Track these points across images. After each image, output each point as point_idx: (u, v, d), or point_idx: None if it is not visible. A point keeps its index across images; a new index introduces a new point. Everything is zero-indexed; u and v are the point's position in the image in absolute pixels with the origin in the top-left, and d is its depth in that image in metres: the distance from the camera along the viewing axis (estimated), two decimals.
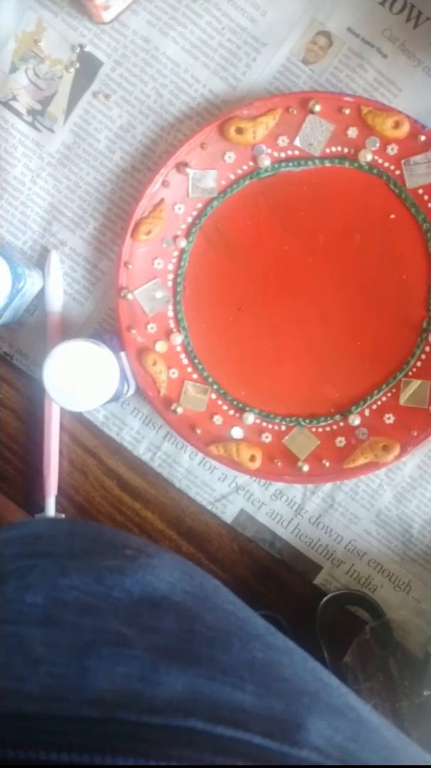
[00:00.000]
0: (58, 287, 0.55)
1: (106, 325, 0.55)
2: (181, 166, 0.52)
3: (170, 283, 0.53)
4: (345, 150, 0.52)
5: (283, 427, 0.54)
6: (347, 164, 0.52)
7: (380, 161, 0.52)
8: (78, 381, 0.47)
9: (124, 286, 0.53)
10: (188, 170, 0.52)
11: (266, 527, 0.56)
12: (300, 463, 0.53)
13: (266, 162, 0.52)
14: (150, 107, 0.53)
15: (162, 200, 0.52)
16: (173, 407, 0.53)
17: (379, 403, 0.53)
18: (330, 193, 0.52)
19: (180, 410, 0.53)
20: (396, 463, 0.54)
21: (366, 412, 0.54)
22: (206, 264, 0.53)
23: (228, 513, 0.56)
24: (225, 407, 0.54)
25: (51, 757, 0.25)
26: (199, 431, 0.53)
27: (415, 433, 0.52)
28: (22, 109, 0.54)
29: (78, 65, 0.53)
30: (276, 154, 0.52)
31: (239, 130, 0.51)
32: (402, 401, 0.53)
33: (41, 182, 0.54)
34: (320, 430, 0.54)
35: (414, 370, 0.53)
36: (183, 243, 0.53)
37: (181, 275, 0.53)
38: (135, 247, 0.52)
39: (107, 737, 0.26)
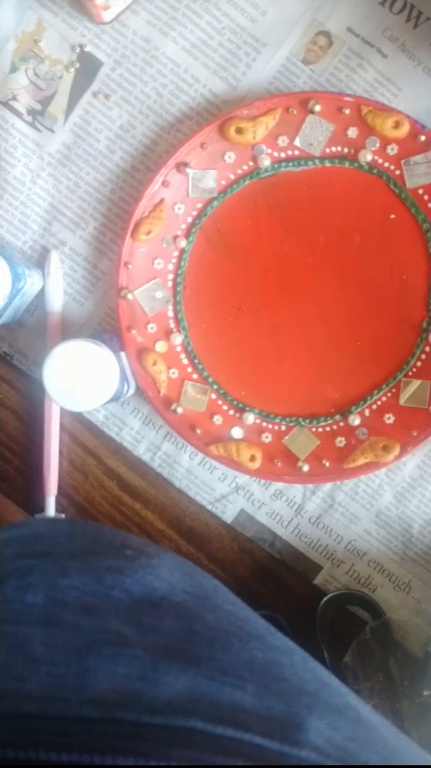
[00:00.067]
0: (58, 287, 0.55)
1: (106, 325, 0.55)
2: (181, 166, 0.52)
3: (170, 283, 0.53)
4: (345, 150, 0.52)
5: (283, 427, 0.54)
6: (347, 164, 0.52)
7: (380, 161, 0.52)
8: (78, 381, 0.47)
9: (124, 286, 0.53)
10: (188, 170, 0.52)
11: (266, 527, 0.56)
12: (300, 463, 0.53)
13: (266, 162, 0.52)
14: (150, 107, 0.53)
15: (162, 200, 0.52)
16: (173, 407, 0.53)
17: (379, 403, 0.53)
18: (330, 193, 0.52)
19: (180, 410, 0.53)
20: (396, 463, 0.54)
21: (366, 412, 0.54)
22: (206, 264, 0.53)
23: (228, 513, 0.56)
24: (225, 407, 0.54)
25: (51, 757, 0.25)
26: (199, 431, 0.53)
27: (415, 433, 0.52)
28: (22, 109, 0.54)
29: (78, 65, 0.53)
30: (276, 154, 0.52)
31: (239, 130, 0.51)
32: (402, 401, 0.53)
33: (41, 182, 0.54)
34: (320, 430, 0.54)
35: (414, 370, 0.53)
36: (183, 243, 0.53)
37: (181, 275, 0.53)
38: (135, 247, 0.52)
39: (107, 737, 0.26)
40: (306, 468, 0.53)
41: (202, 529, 0.57)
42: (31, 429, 0.56)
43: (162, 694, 0.29)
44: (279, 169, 0.52)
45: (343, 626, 0.55)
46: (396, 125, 0.51)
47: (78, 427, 0.56)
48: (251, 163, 0.52)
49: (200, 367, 0.54)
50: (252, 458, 0.53)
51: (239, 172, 0.52)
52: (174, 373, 0.54)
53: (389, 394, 0.53)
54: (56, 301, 0.55)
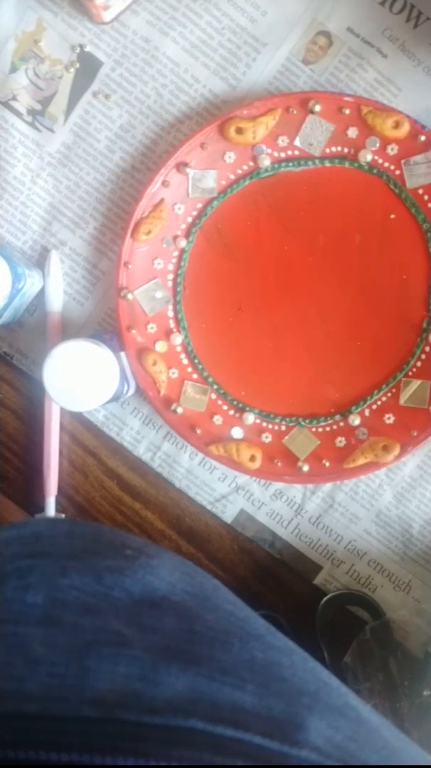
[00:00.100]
0: (58, 287, 0.55)
1: (106, 325, 0.55)
2: (181, 166, 0.52)
3: (170, 283, 0.53)
4: (345, 150, 0.52)
5: (283, 427, 0.54)
6: (347, 164, 0.52)
7: (380, 161, 0.52)
8: (78, 381, 0.47)
9: (124, 286, 0.53)
10: (188, 170, 0.52)
11: (266, 527, 0.56)
12: (300, 463, 0.53)
13: (266, 162, 0.52)
14: (150, 107, 0.53)
15: (162, 200, 0.52)
16: (173, 407, 0.53)
17: (379, 403, 0.53)
18: (330, 193, 0.52)
19: (180, 410, 0.53)
20: (396, 463, 0.54)
21: (366, 412, 0.54)
22: (206, 264, 0.53)
23: (228, 513, 0.56)
24: (225, 407, 0.54)
25: (51, 757, 0.25)
26: (199, 431, 0.53)
27: (415, 433, 0.52)
28: (22, 109, 0.54)
29: (78, 65, 0.53)
30: (276, 154, 0.52)
31: (239, 130, 0.51)
32: (402, 401, 0.53)
33: (41, 182, 0.54)
34: (320, 430, 0.54)
35: (414, 370, 0.53)
36: (183, 243, 0.53)
37: (181, 275, 0.53)
38: (135, 247, 0.52)
39: (107, 737, 0.26)
40: (306, 468, 0.53)
41: (202, 529, 0.57)
42: (31, 429, 0.56)
43: (162, 694, 0.29)
44: (279, 169, 0.52)
45: (343, 626, 0.55)
46: (396, 125, 0.51)
47: (78, 427, 0.56)
48: (251, 163, 0.52)
49: (200, 367, 0.54)
50: (252, 458, 0.53)
51: (239, 172, 0.52)
52: (174, 373, 0.54)
53: (389, 394, 0.53)
54: (56, 301, 0.55)
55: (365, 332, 0.53)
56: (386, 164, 0.52)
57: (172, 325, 0.54)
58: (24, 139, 0.54)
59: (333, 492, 0.56)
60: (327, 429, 0.54)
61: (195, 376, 0.54)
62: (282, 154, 0.52)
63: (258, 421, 0.54)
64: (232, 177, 0.52)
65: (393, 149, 0.51)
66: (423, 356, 0.53)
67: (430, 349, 0.53)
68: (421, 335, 0.53)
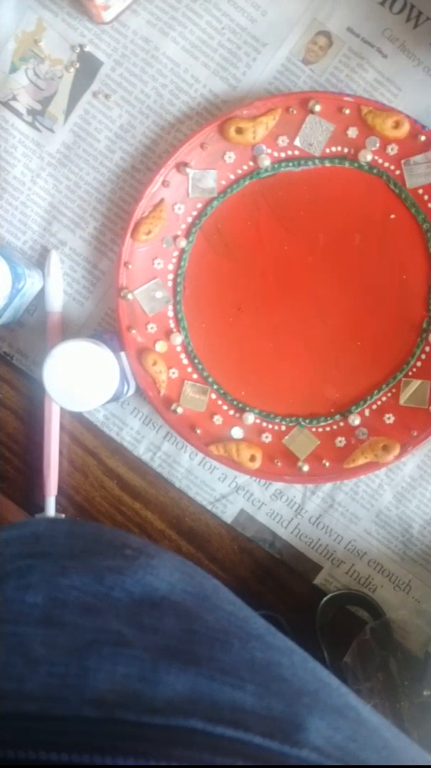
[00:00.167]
0: (58, 287, 0.55)
1: (106, 325, 0.55)
2: (181, 166, 0.52)
3: (170, 283, 0.53)
4: (345, 150, 0.52)
5: (283, 427, 0.54)
6: (347, 164, 0.52)
7: (380, 161, 0.52)
8: (78, 381, 0.47)
9: (124, 286, 0.53)
10: (188, 170, 0.52)
11: (266, 527, 0.56)
12: (300, 463, 0.53)
13: (266, 162, 0.52)
14: (150, 107, 0.53)
15: (162, 200, 0.52)
16: (173, 407, 0.53)
17: (379, 403, 0.53)
18: (330, 193, 0.52)
19: (180, 410, 0.53)
20: (396, 463, 0.54)
21: (366, 412, 0.54)
22: (206, 264, 0.53)
23: (228, 513, 0.56)
24: (225, 407, 0.54)
25: (51, 757, 0.25)
26: (199, 431, 0.53)
27: (415, 433, 0.52)
28: (22, 109, 0.54)
29: (78, 65, 0.53)
30: (276, 154, 0.52)
31: (239, 130, 0.51)
32: (402, 401, 0.53)
33: (41, 182, 0.54)
34: (320, 430, 0.54)
35: (414, 370, 0.53)
36: (183, 243, 0.53)
37: (181, 275, 0.53)
38: (135, 247, 0.52)
39: (107, 737, 0.26)
40: (306, 468, 0.53)
41: (202, 529, 0.57)
42: (31, 429, 0.56)
43: (162, 694, 0.29)
44: (279, 169, 0.52)
45: (343, 626, 0.55)
46: (396, 125, 0.51)
47: (78, 427, 0.56)
48: (251, 163, 0.52)
49: (200, 367, 0.54)
50: (252, 458, 0.53)
51: (239, 172, 0.52)
52: (174, 373, 0.54)
53: (389, 394, 0.53)
54: (56, 301, 0.55)
55: (365, 332, 0.53)
56: (386, 164, 0.52)
57: (172, 325, 0.54)
58: (24, 139, 0.54)
59: (333, 492, 0.56)
60: (327, 429, 0.54)
61: (195, 376, 0.54)
62: (282, 154, 0.52)
63: (258, 421, 0.54)
64: (232, 177, 0.52)
65: (393, 149, 0.51)
66: (423, 356, 0.53)
67: (430, 349, 0.53)
68: (421, 335, 0.53)
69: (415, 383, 0.53)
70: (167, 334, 0.54)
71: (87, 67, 0.53)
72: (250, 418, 0.54)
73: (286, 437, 0.54)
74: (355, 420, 0.53)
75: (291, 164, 0.52)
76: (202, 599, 0.36)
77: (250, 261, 0.53)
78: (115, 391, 0.48)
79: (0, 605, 0.33)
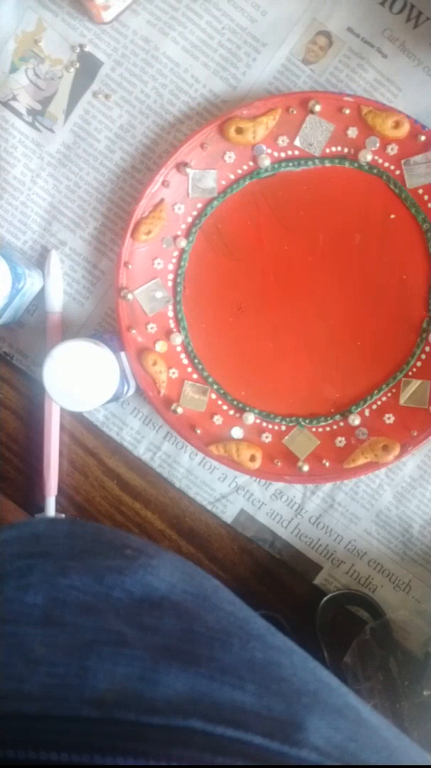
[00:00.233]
0: (58, 287, 0.55)
1: (106, 325, 0.55)
2: (181, 166, 0.52)
3: (170, 283, 0.53)
4: (345, 150, 0.52)
5: (283, 427, 0.54)
6: (347, 164, 0.52)
7: (380, 161, 0.52)
8: (78, 381, 0.47)
9: (124, 286, 0.53)
10: (188, 170, 0.52)
11: (266, 527, 0.56)
12: (300, 463, 0.53)
13: (266, 162, 0.52)
14: (150, 107, 0.53)
15: (162, 200, 0.52)
16: (173, 407, 0.53)
17: (379, 403, 0.53)
18: (330, 193, 0.52)
19: (180, 410, 0.53)
20: (396, 463, 0.54)
21: (366, 412, 0.54)
22: (206, 264, 0.53)
23: (228, 513, 0.56)
24: (225, 407, 0.54)
25: (51, 757, 0.25)
26: (199, 431, 0.53)
27: (415, 433, 0.52)
28: (22, 109, 0.54)
29: (78, 65, 0.53)
30: (276, 154, 0.52)
31: (239, 130, 0.51)
32: (402, 401, 0.53)
33: (41, 182, 0.54)
34: (320, 430, 0.54)
35: (414, 370, 0.53)
36: (183, 243, 0.53)
37: (181, 275, 0.53)
38: (135, 247, 0.52)
39: (107, 737, 0.26)
40: (306, 468, 0.53)
41: (202, 529, 0.57)
42: (31, 429, 0.56)
43: (162, 694, 0.29)
44: (279, 169, 0.52)
45: (343, 626, 0.55)
46: (396, 125, 0.51)
47: (78, 427, 0.56)
48: (251, 163, 0.52)
49: (200, 367, 0.54)
50: (252, 458, 0.53)
51: (239, 172, 0.52)
52: (174, 373, 0.54)
53: (389, 394, 0.53)
54: (56, 301, 0.55)
55: (365, 332, 0.53)
56: (386, 164, 0.52)
57: (172, 325, 0.54)
58: (24, 139, 0.54)
59: (333, 492, 0.56)
60: (327, 429, 0.54)
61: (195, 376, 0.54)
62: (282, 154, 0.52)
63: (258, 421, 0.54)
64: (232, 177, 0.52)
65: (393, 149, 0.51)
66: (423, 356, 0.53)
67: (430, 349, 0.53)
68: (421, 335, 0.53)
69: (415, 383, 0.53)
70: (167, 334, 0.54)
71: (87, 67, 0.53)
72: (250, 418, 0.54)
73: (286, 437, 0.54)
74: (355, 420, 0.53)
75: (291, 164, 0.52)
76: (202, 599, 0.36)
77: (250, 261, 0.53)
78: (115, 391, 0.48)
79: (0, 605, 0.33)
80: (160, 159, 0.54)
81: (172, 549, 0.56)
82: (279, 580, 0.56)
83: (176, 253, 0.53)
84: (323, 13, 0.52)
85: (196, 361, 0.54)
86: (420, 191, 0.52)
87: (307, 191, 0.53)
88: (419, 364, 0.53)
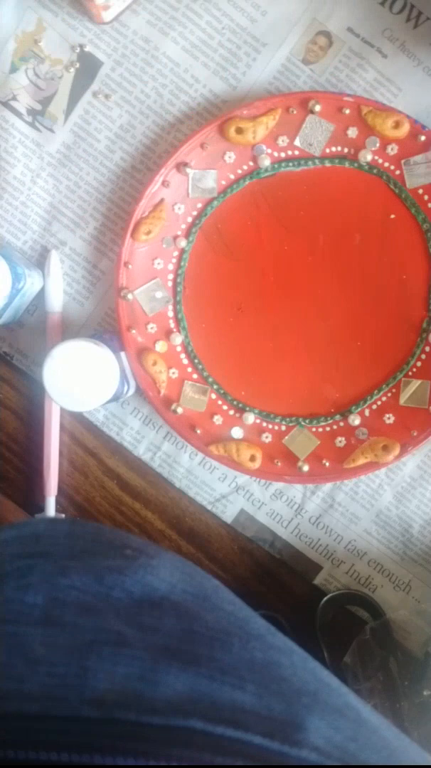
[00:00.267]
0: (58, 287, 0.55)
1: (106, 325, 0.55)
2: (181, 166, 0.52)
3: (170, 283, 0.53)
4: (345, 150, 0.52)
5: (283, 427, 0.54)
6: (347, 164, 0.52)
7: (380, 161, 0.52)
8: (78, 381, 0.47)
9: (124, 286, 0.53)
10: (188, 170, 0.52)
11: (266, 527, 0.56)
12: (300, 463, 0.53)
13: (266, 162, 0.52)
14: (150, 107, 0.53)
15: (162, 200, 0.52)
16: (173, 407, 0.53)
17: (379, 403, 0.53)
18: (330, 193, 0.52)
19: (180, 410, 0.53)
20: (396, 463, 0.54)
21: (366, 412, 0.54)
22: (206, 264, 0.53)
23: (228, 513, 0.56)
24: (225, 407, 0.54)
25: (51, 757, 0.25)
26: (199, 431, 0.53)
27: (415, 433, 0.52)
28: (22, 109, 0.54)
29: (78, 65, 0.53)
30: (276, 154, 0.52)
31: (239, 130, 0.51)
32: (402, 401, 0.53)
33: (41, 182, 0.54)
34: (320, 430, 0.54)
35: (414, 370, 0.53)
36: (183, 243, 0.53)
37: (181, 275, 0.53)
38: (135, 247, 0.52)
39: (107, 737, 0.26)
40: (306, 468, 0.53)
41: (202, 529, 0.57)
42: (31, 429, 0.56)
43: (162, 694, 0.29)
44: (279, 169, 0.52)
45: (343, 626, 0.55)
46: (396, 125, 0.51)
47: (78, 427, 0.56)
48: (251, 163, 0.52)
49: (200, 367, 0.54)
50: (252, 458, 0.53)
51: (239, 172, 0.52)
52: (174, 373, 0.54)
53: (389, 394, 0.53)
54: (56, 301, 0.55)
55: (365, 332, 0.53)
56: (386, 164, 0.52)
57: (172, 325, 0.54)
58: (24, 139, 0.54)
59: (333, 492, 0.56)
60: (327, 429, 0.54)
61: (195, 376, 0.54)
62: (282, 154, 0.52)
63: (258, 421, 0.54)
64: (232, 177, 0.52)
65: (393, 149, 0.51)
66: (423, 356, 0.53)
67: (430, 349, 0.53)
68: (421, 335, 0.53)
69: (415, 383, 0.53)
70: (167, 334, 0.54)
71: (87, 67, 0.53)
72: (250, 418, 0.54)
73: (286, 437, 0.54)
74: (355, 420, 0.53)
75: (291, 164, 0.52)
76: (202, 599, 0.36)
77: (250, 261, 0.53)
78: (115, 391, 0.48)
79: (0, 605, 0.33)
80: (160, 159, 0.54)
81: (172, 549, 0.56)
82: (279, 580, 0.56)
83: (176, 253, 0.53)
84: (323, 13, 0.52)
85: (196, 361, 0.54)
86: (420, 191, 0.52)
87: (307, 191, 0.53)
88: (419, 364, 0.53)
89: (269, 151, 0.52)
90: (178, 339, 0.54)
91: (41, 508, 0.56)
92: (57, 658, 0.30)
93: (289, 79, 0.53)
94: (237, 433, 0.54)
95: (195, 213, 0.53)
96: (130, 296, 0.53)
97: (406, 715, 0.51)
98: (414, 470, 0.55)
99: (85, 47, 0.53)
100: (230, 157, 0.52)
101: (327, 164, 0.52)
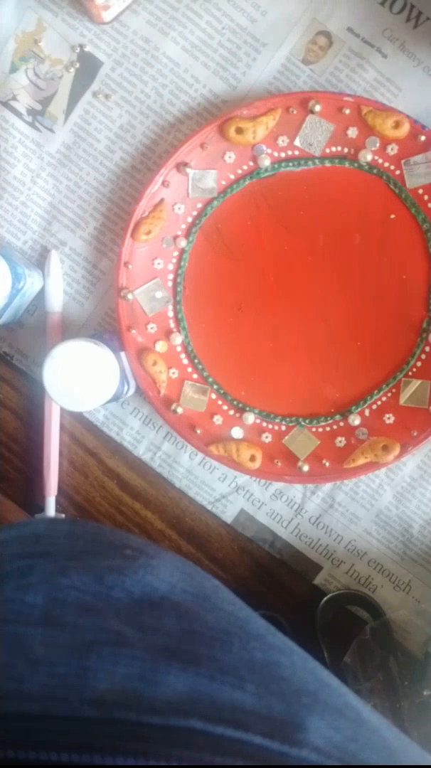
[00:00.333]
0: (58, 287, 0.55)
1: (106, 325, 0.55)
2: (181, 166, 0.52)
3: (170, 283, 0.53)
4: (345, 150, 0.52)
5: (283, 427, 0.54)
6: (347, 164, 0.52)
7: (380, 161, 0.52)
8: (78, 381, 0.47)
9: (124, 286, 0.53)
10: (188, 170, 0.52)
11: (266, 527, 0.56)
12: (300, 463, 0.53)
13: (266, 162, 0.52)
14: (150, 107, 0.53)
15: (162, 200, 0.52)
16: (173, 407, 0.53)
17: (379, 403, 0.53)
18: (330, 193, 0.52)
19: (180, 410, 0.53)
20: (396, 463, 0.54)
21: (366, 412, 0.54)
22: (206, 264, 0.53)
23: (228, 513, 0.56)
24: (225, 407, 0.54)
25: (51, 757, 0.25)
26: (199, 431, 0.53)
27: (415, 433, 0.52)
28: (22, 109, 0.54)
29: (78, 65, 0.53)
30: (276, 154, 0.52)
31: (239, 130, 0.51)
32: (402, 401, 0.53)
33: (41, 182, 0.54)
34: (320, 430, 0.54)
35: (414, 370, 0.53)
36: (183, 243, 0.53)
37: (181, 275, 0.53)
38: (135, 247, 0.52)
39: (107, 737, 0.26)
40: (306, 468, 0.53)
41: (202, 529, 0.57)
42: (31, 429, 0.56)
43: (162, 694, 0.29)
44: (279, 169, 0.52)
45: (343, 626, 0.55)
46: (396, 125, 0.51)
47: (78, 427, 0.56)
48: (251, 163, 0.52)
49: (200, 367, 0.54)
50: (252, 458, 0.53)
51: (239, 172, 0.52)
52: (174, 373, 0.54)
53: (389, 394, 0.53)
54: (56, 301, 0.55)
55: (365, 332, 0.53)
56: (386, 164, 0.52)
57: (172, 325, 0.54)
58: (24, 139, 0.54)
59: (333, 492, 0.56)
60: (327, 429, 0.54)
61: (195, 376, 0.54)
62: (282, 154, 0.52)
63: (258, 421, 0.54)
64: (232, 177, 0.52)
65: (393, 149, 0.51)
66: (423, 356, 0.53)
67: (430, 349, 0.53)
68: (421, 335, 0.53)
69: (415, 383, 0.53)
70: (167, 334, 0.54)
71: (87, 67, 0.53)
72: (250, 418, 0.54)
73: (286, 437, 0.54)
74: (355, 420, 0.53)
75: (291, 164, 0.52)
76: (202, 599, 0.36)
77: (250, 261, 0.53)
78: (115, 391, 0.48)
79: (0, 605, 0.33)
80: (160, 159, 0.54)
81: (172, 549, 0.56)
82: (279, 580, 0.56)
83: (176, 253, 0.53)
84: (323, 13, 0.52)
85: (196, 361, 0.54)
86: (420, 191, 0.52)
87: (307, 191, 0.53)
88: (419, 364, 0.53)
89: (269, 151, 0.52)
90: (178, 339, 0.54)
91: (41, 508, 0.56)
92: (57, 658, 0.30)
93: (289, 79, 0.53)
94: (237, 433, 0.54)
95: (195, 213, 0.53)
96: (130, 296, 0.53)
97: (406, 715, 0.51)
98: (414, 470, 0.55)
99: (85, 47, 0.53)
100: (230, 157, 0.52)
101: (327, 164, 0.52)
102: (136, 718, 0.27)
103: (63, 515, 0.57)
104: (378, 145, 0.51)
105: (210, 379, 0.54)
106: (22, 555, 0.37)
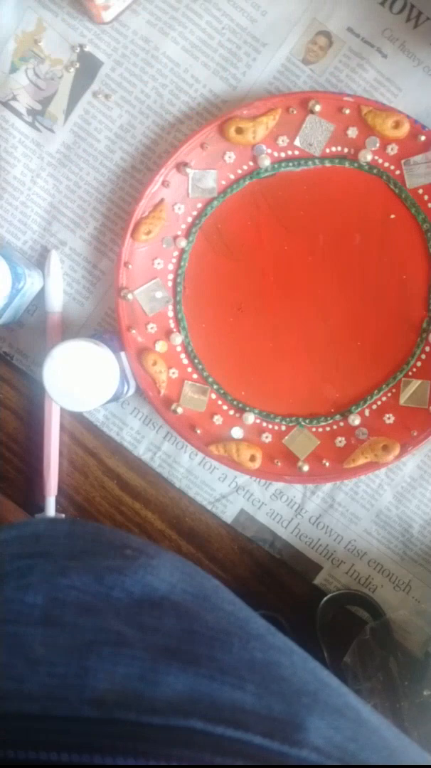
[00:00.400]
0: (58, 287, 0.55)
1: (106, 325, 0.55)
2: (181, 166, 0.52)
3: (170, 283, 0.53)
4: (345, 150, 0.52)
5: (283, 427, 0.54)
6: (347, 164, 0.52)
7: (380, 161, 0.52)
8: (78, 381, 0.47)
9: (124, 286, 0.53)
10: (188, 170, 0.52)
11: (266, 527, 0.56)
12: (300, 463, 0.53)
13: (266, 162, 0.52)
14: (150, 107, 0.53)
15: (162, 200, 0.52)
16: (173, 407, 0.53)
17: (379, 403, 0.53)
18: (330, 193, 0.52)
19: (180, 410, 0.53)
20: (396, 463, 0.54)
21: (366, 412, 0.54)
22: (206, 264, 0.53)
23: (228, 513, 0.56)
24: (225, 407, 0.54)
25: (51, 757, 0.25)
26: (199, 431, 0.53)
27: (415, 433, 0.52)
28: (22, 109, 0.54)
29: (78, 65, 0.53)
30: (276, 154, 0.52)
31: (239, 130, 0.51)
32: (402, 401, 0.53)
33: (41, 182, 0.54)
34: (320, 430, 0.54)
35: (414, 370, 0.53)
36: (183, 243, 0.53)
37: (181, 275, 0.53)
38: (135, 247, 0.52)
39: (107, 737, 0.26)
40: (306, 468, 0.53)
41: (202, 529, 0.57)
42: (31, 429, 0.56)
43: (162, 694, 0.29)
44: (279, 169, 0.52)
45: (343, 626, 0.55)
46: (396, 125, 0.51)
47: (78, 427, 0.56)
48: (251, 163, 0.52)
49: (200, 367, 0.54)
50: (252, 458, 0.53)
51: (239, 172, 0.52)
52: (174, 373, 0.54)
53: (389, 394, 0.53)
54: (56, 301, 0.55)
55: (365, 332, 0.53)
56: (386, 164, 0.52)
57: (172, 325, 0.54)
58: (24, 139, 0.54)
59: (333, 492, 0.56)
60: (327, 429, 0.54)
61: (195, 376, 0.54)
62: (282, 154, 0.52)
63: (258, 421, 0.54)
64: (232, 177, 0.52)
65: (393, 149, 0.51)
66: (423, 356, 0.53)
67: (430, 349, 0.53)
68: (421, 335, 0.53)
69: (415, 383, 0.53)
70: (167, 334, 0.54)
71: (87, 67, 0.53)
72: (250, 418, 0.54)
73: (286, 437, 0.54)
74: (355, 420, 0.53)
75: (291, 164, 0.52)
76: (202, 599, 0.36)
77: (250, 261, 0.53)
78: (115, 391, 0.48)
79: (0, 605, 0.33)
80: (160, 159, 0.54)
81: (172, 549, 0.56)
82: (279, 580, 0.56)
83: (176, 253, 0.53)
84: (323, 13, 0.52)
85: (196, 361, 0.54)
86: (420, 191, 0.52)
87: (307, 191, 0.53)
88: (419, 364, 0.53)
89: (269, 151, 0.52)
90: (178, 339, 0.54)
91: (41, 508, 0.56)
92: (57, 658, 0.30)
93: (289, 79, 0.53)
94: (237, 433, 0.54)
95: (195, 213, 0.53)
96: (130, 296, 0.53)
97: (406, 715, 0.51)
98: (414, 470, 0.55)
99: (85, 47, 0.53)
100: (230, 157, 0.52)
101: (327, 164, 0.52)
102: (136, 718, 0.27)
103: (63, 515, 0.57)
104: (378, 145, 0.51)
105: (210, 379, 0.54)
106: (22, 555, 0.37)
